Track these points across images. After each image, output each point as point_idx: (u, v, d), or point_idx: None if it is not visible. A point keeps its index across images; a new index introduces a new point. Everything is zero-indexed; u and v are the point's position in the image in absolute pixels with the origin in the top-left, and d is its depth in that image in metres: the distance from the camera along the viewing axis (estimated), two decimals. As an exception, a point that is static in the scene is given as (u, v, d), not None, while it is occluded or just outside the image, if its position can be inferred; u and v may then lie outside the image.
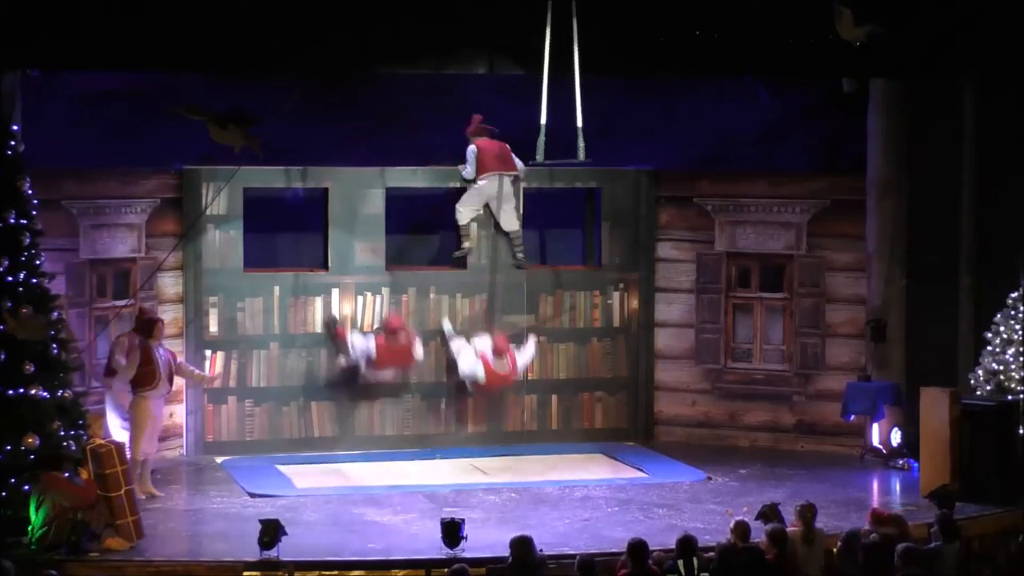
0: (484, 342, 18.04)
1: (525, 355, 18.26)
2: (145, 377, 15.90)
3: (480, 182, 18.23)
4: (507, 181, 18.36)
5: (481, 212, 18.41)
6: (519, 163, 18.23)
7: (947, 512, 13.87)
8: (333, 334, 18.02)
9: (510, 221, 18.50)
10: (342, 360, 17.99)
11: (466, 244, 18.40)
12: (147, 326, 16.15)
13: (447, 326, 18.32)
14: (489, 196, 18.33)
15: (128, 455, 15.11)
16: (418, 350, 18.10)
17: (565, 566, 12.96)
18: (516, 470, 17.72)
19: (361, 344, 17.94)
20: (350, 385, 18.16)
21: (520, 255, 18.59)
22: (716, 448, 18.63)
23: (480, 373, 17.96)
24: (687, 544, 12.70)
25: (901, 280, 18.15)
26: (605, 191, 19.06)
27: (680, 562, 12.61)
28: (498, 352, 17.94)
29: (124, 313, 16.87)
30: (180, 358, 16.69)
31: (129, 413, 16.05)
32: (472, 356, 18.01)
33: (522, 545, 12.66)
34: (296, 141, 18.04)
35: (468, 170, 18.21)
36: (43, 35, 15.34)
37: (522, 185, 18.63)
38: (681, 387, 19.15)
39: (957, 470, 15.96)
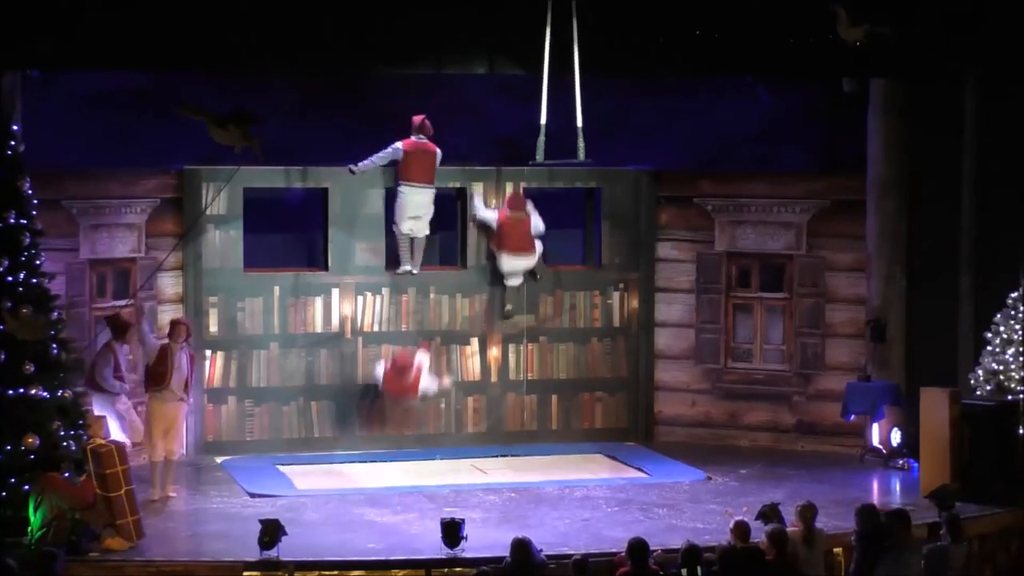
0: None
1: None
2: (156, 377, 15.90)
3: (403, 190, 18.01)
4: (430, 193, 18.18)
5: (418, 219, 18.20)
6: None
7: (955, 513, 13.86)
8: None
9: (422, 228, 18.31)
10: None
11: (407, 267, 18.24)
12: (171, 328, 16.18)
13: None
14: (417, 206, 18.12)
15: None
16: (425, 384, 17.90)
17: (565, 566, 12.94)
18: (516, 470, 17.73)
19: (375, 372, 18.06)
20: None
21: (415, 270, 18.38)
22: (716, 448, 18.63)
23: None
24: (691, 554, 12.69)
25: (901, 280, 18.16)
26: (605, 191, 19.07)
27: (684, 570, 12.61)
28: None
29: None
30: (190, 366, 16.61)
31: (145, 414, 16.16)
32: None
33: (521, 547, 12.66)
34: (296, 141, 18.05)
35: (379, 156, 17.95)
36: (43, 35, 15.34)
37: (522, 187, 18.67)
38: (681, 387, 19.16)
39: (957, 470, 15.96)
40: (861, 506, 13.36)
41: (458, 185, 18.57)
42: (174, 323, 16.26)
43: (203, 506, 15.75)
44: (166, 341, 16.03)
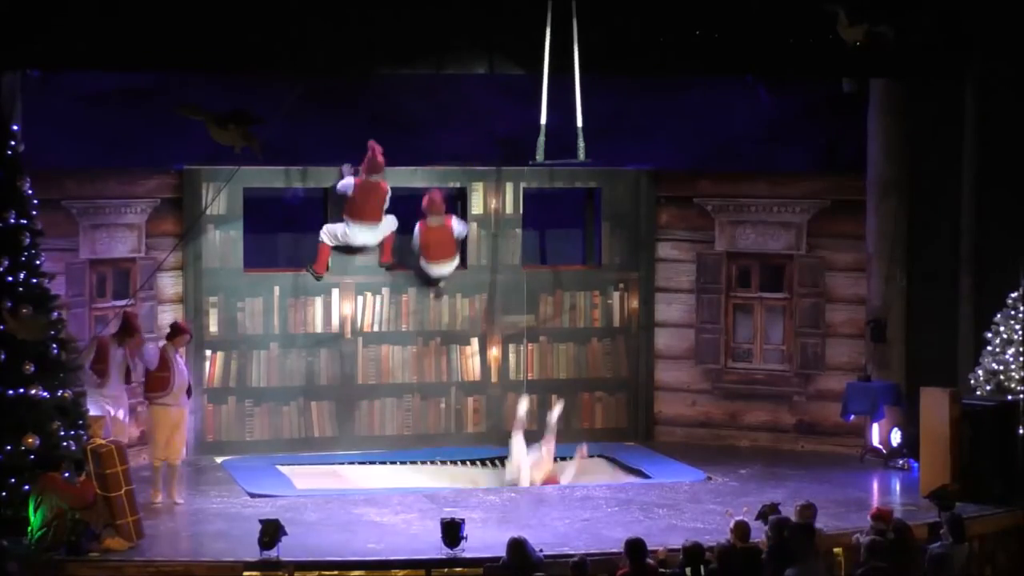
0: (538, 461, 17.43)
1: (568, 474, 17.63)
2: (158, 382, 15.84)
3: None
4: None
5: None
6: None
7: (956, 513, 13.85)
8: None
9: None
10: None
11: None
12: (173, 332, 16.11)
13: (523, 409, 17.87)
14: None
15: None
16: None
17: (564, 566, 12.94)
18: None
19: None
20: None
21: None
22: (716, 448, 18.63)
23: (524, 482, 17.38)
24: (694, 553, 12.67)
25: (901, 280, 18.16)
26: (605, 191, 19.06)
27: (688, 569, 12.60)
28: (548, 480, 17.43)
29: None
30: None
31: (148, 420, 16.16)
32: (524, 466, 17.39)
33: (517, 547, 12.66)
34: (296, 141, 18.05)
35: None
36: (43, 35, 15.35)
37: (522, 187, 18.66)
38: (681, 387, 19.15)
39: (957, 470, 15.96)
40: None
41: (458, 185, 18.57)
42: (179, 329, 16.18)
43: (203, 506, 15.75)
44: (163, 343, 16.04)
